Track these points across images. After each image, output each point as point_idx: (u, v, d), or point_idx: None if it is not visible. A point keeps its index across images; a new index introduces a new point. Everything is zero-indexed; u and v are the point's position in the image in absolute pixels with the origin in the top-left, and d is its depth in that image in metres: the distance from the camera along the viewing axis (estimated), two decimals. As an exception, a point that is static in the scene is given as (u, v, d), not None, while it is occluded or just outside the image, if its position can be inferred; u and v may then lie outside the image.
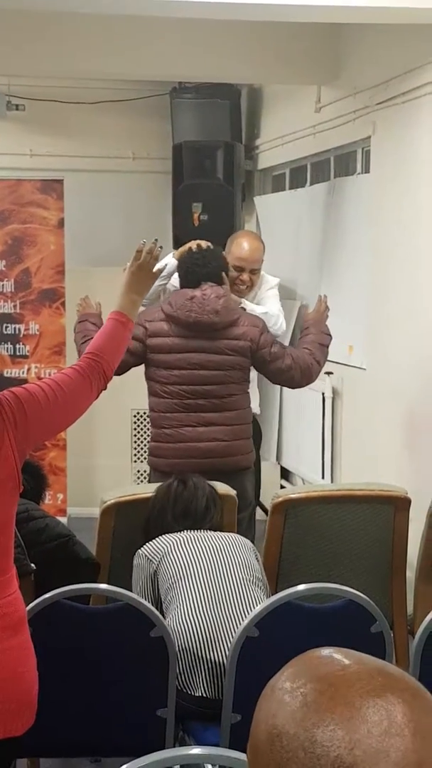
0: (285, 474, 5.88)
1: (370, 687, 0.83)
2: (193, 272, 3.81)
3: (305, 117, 5.36)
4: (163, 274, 4.18)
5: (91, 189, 6.47)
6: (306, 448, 5.39)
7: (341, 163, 5.34)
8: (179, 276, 3.92)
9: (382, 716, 0.81)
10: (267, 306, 4.50)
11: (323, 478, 5.15)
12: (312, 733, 0.81)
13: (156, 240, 2.66)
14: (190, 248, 3.97)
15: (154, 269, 2.62)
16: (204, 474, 3.52)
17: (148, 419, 6.46)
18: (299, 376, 3.82)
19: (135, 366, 3.83)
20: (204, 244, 3.98)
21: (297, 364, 3.79)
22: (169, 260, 4.19)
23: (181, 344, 3.75)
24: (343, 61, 4.90)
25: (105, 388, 2.34)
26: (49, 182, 5.91)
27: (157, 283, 4.26)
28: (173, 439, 3.78)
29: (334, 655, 0.88)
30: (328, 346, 3.94)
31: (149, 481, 3.97)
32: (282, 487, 5.63)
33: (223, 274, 3.87)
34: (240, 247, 4.45)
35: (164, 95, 6.28)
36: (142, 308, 4.35)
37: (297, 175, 6.01)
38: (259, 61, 4.99)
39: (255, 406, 4.65)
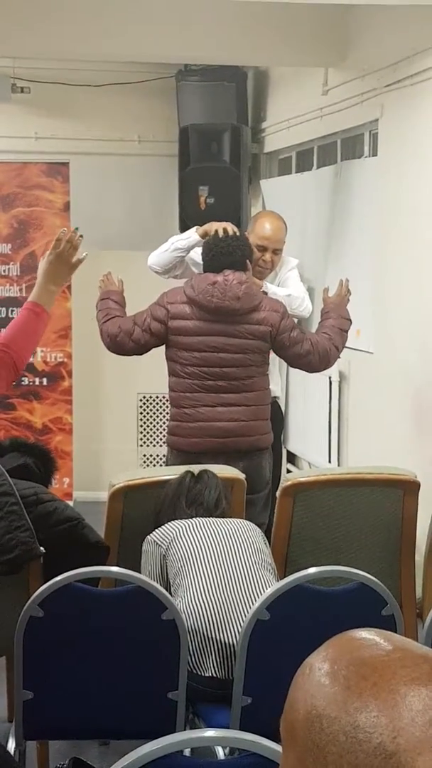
0: (291, 458, 5.88)
1: (416, 674, 0.81)
2: (218, 259, 3.82)
3: (312, 99, 5.33)
4: (185, 246, 4.22)
5: (97, 172, 6.44)
6: (312, 432, 5.39)
7: (348, 146, 5.31)
8: (203, 258, 3.93)
9: (427, 705, 0.79)
10: (290, 288, 4.53)
11: (330, 462, 5.14)
12: (354, 718, 0.80)
13: (77, 229, 2.58)
14: (216, 232, 3.97)
15: (74, 259, 2.53)
16: (222, 454, 3.61)
17: (154, 403, 6.53)
18: (317, 360, 3.85)
19: (156, 347, 3.87)
20: (230, 229, 3.99)
21: (316, 349, 3.83)
22: (191, 234, 4.21)
23: (202, 327, 3.77)
24: (350, 42, 4.87)
25: (15, 379, 2.25)
26: (55, 165, 5.88)
27: (177, 254, 4.30)
28: (192, 419, 3.80)
29: (376, 639, 0.87)
30: (347, 331, 3.97)
31: (167, 461, 4.00)
32: (288, 471, 5.63)
33: (247, 261, 3.87)
34: (263, 227, 4.48)
35: (170, 78, 6.24)
36: (159, 279, 4.37)
37: (303, 159, 5.98)
38: (266, 43, 4.95)
39: (277, 390, 4.68)
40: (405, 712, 0.79)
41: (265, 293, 4.04)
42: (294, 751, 0.85)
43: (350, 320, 3.97)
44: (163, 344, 3.85)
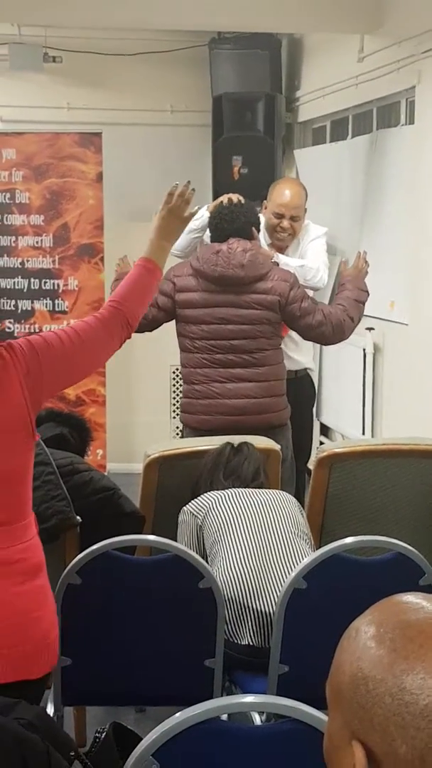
0: (324, 431, 5.86)
1: None
2: (221, 228, 3.78)
3: (347, 67, 5.26)
4: (198, 227, 4.15)
5: (130, 142, 6.41)
6: (346, 404, 5.36)
7: (384, 115, 5.24)
8: (210, 230, 3.89)
9: None
10: (308, 257, 4.42)
11: (363, 434, 5.12)
12: (401, 680, 0.80)
13: (189, 182, 2.51)
14: (220, 202, 3.93)
15: (186, 213, 2.52)
16: (234, 432, 3.49)
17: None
18: (330, 332, 3.76)
19: (166, 322, 3.81)
20: (235, 198, 3.93)
21: (329, 320, 3.73)
22: (203, 212, 4.16)
23: (207, 299, 3.71)
24: (386, 8, 4.79)
25: (128, 337, 2.25)
26: (88, 135, 5.85)
27: (193, 236, 4.24)
28: (203, 395, 3.76)
29: (422, 602, 0.87)
30: (364, 303, 3.87)
31: (182, 438, 3.96)
32: (321, 443, 5.62)
33: (253, 229, 3.82)
34: (281, 193, 4.40)
35: (203, 46, 6.18)
36: (178, 262, 4.34)
37: (338, 128, 5.91)
38: (300, 10, 4.88)
39: (308, 362, 4.62)
40: None
41: (276, 263, 3.97)
42: (340, 713, 0.86)
43: (368, 292, 3.86)
44: (172, 319, 3.79)
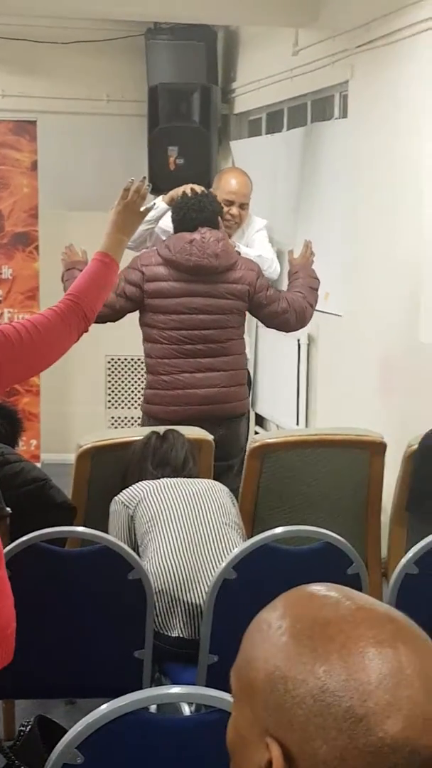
0: (259, 421, 5.89)
1: (382, 636, 0.81)
2: (189, 217, 3.77)
3: (282, 60, 5.28)
4: (150, 217, 4.15)
5: (66, 131, 6.35)
6: (281, 394, 5.40)
7: (318, 108, 5.28)
8: (173, 220, 3.87)
9: (394, 667, 0.79)
10: (258, 249, 4.49)
11: (298, 424, 5.16)
12: (323, 681, 0.79)
13: (144, 178, 2.60)
14: (184, 192, 3.93)
15: (141, 209, 2.57)
16: (201, 421, 3.53)
17: (123, 365, 6.50)
18: (294, 319, 3.81)
19: (132, 311, 3.80)
20: (198, 188, 3.95)
21: (292, 307, 3.79)
22: (158, 203, 4.15)
23: (180, 288, 3.71)
24: (322, 3, 4.81)
25: (86, 330, 2.29)
26: (22, 123, 5.79)
27: (144, 227, 4.22)
28: (171, 386, 3.75)
29: (337, 596, 0.85)
30: (317, 290, 3.94)
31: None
32: (256, 433, 5.65)
33: (219, 218, 3.84)
34: (228, 182, 4.50)
35: (140, 36, 6.15)
36: (130, 252, 4.33)
37: (274, 120, 5.93)
38: (236, 2, 4.88)
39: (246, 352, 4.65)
40: (374, 675, 0.78)
41: (239, 253, 4.01)
42: (250, 708, 0.84)
43: (318, 279, 3.94)
44: (137, 309, 3.78)
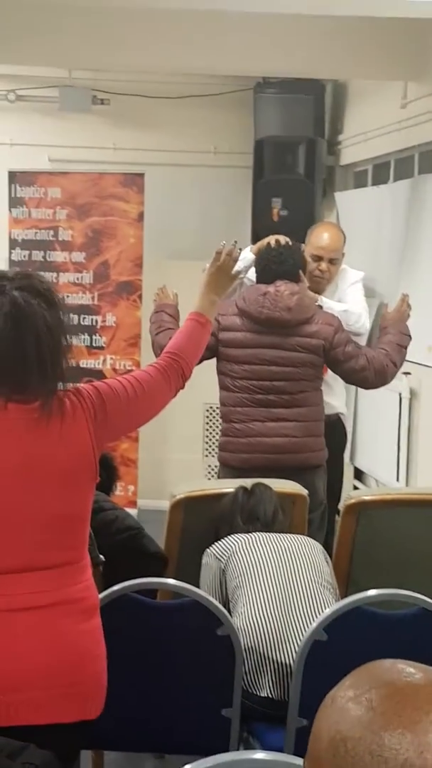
0: (358, 474, 5.81)
1: None
2: (269, 269, 3.78)
3: (391, 113, 5.27)
4: (241, 268, 4.15)
5: (172, 183, 6.47)
6: (381, 449, 5.31)
7: (426, 160, 5.24)
8: (256, 271, 3.88)
9: None
10: (348, 303, 4.41)
11: (398, 480, 5.06)
12: (380, 736, 0.80)
13: (236, 242, 2.68)
14: (268, 243, 3.94)
15: (233, 271, 2.62)
16: (273, 471, 3.50)
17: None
18: (373, 377, 3.74)
19: (207, 360, 3.80)
20: (282, 239, 3.94)
21: (372, 365, 3.72)
22: (246, 254, 4.16)
23: (252, 339, 3.72)
24: (429, 56, 4.80)
25: (183, 387, 2.36)
26: (131, 176, 5.93)
27: None
28: (242, 434, 3.75)
29: (398, 665, 0.87)
30: (406, 348, 3.85)
31: (219, 477, 3.95)
32: (355, 488, 5.57)
33: (300, 272, 3.82)
34: (319, 236, 4.43)
35: (248, 90, 6.24)
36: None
37: (380, 172, 5.92)
38: (345, 57, 4.92)
39: (341, 405, 4.59)
40: (430, 727, 0.79)
41: (320, 307, 3.96)
42: None
43: (410, 336, 3.85)
44: (214, 357, 3.78)
